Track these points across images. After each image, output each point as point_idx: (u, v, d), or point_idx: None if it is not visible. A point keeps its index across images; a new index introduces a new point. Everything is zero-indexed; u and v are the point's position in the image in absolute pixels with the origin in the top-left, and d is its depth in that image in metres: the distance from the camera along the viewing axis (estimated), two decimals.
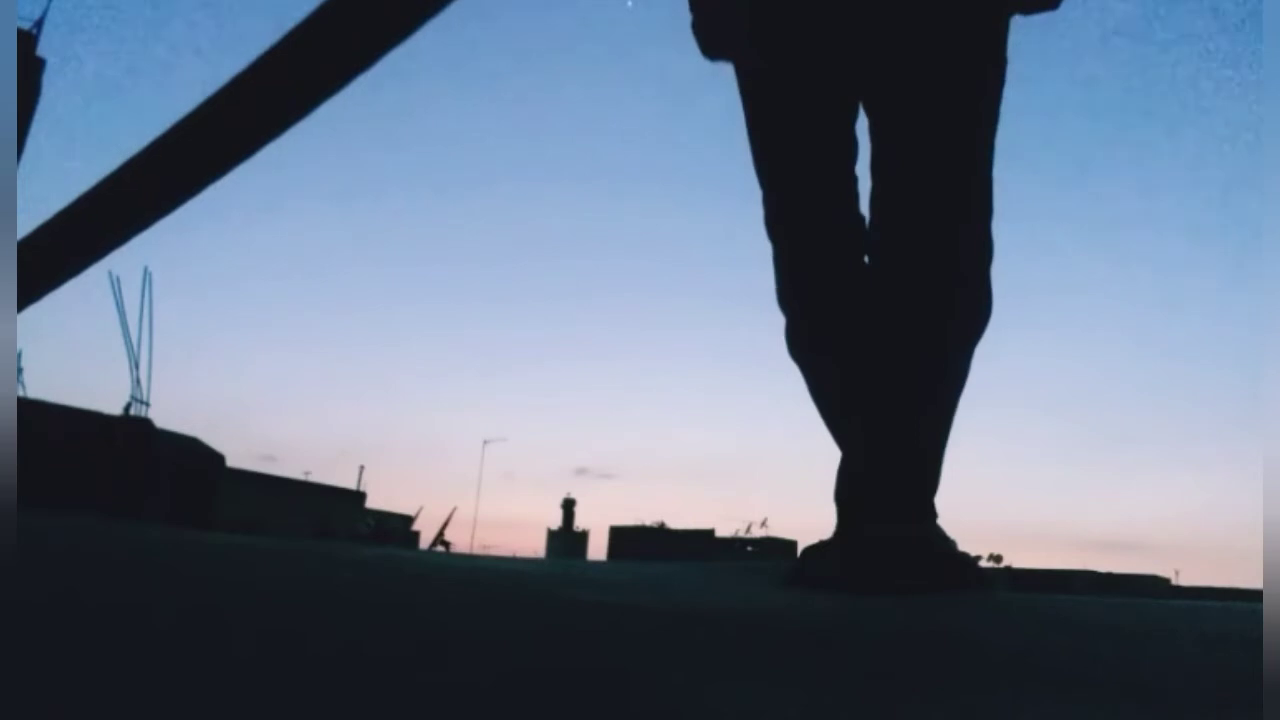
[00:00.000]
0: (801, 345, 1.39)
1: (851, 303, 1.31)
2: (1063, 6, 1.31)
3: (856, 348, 1.29)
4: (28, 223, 1.07)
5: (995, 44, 1.29)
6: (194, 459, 12.02)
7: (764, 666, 0.58)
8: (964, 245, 1.27)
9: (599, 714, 0.39)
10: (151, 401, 14.63)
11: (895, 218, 1.28)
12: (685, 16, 1.37)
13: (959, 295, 1.25)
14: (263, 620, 0.64)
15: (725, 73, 1.39)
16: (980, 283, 1.28)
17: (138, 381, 14.61)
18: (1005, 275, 1.31)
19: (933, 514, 1.24)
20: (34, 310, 1.15)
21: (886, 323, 1.24)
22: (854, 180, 1.35)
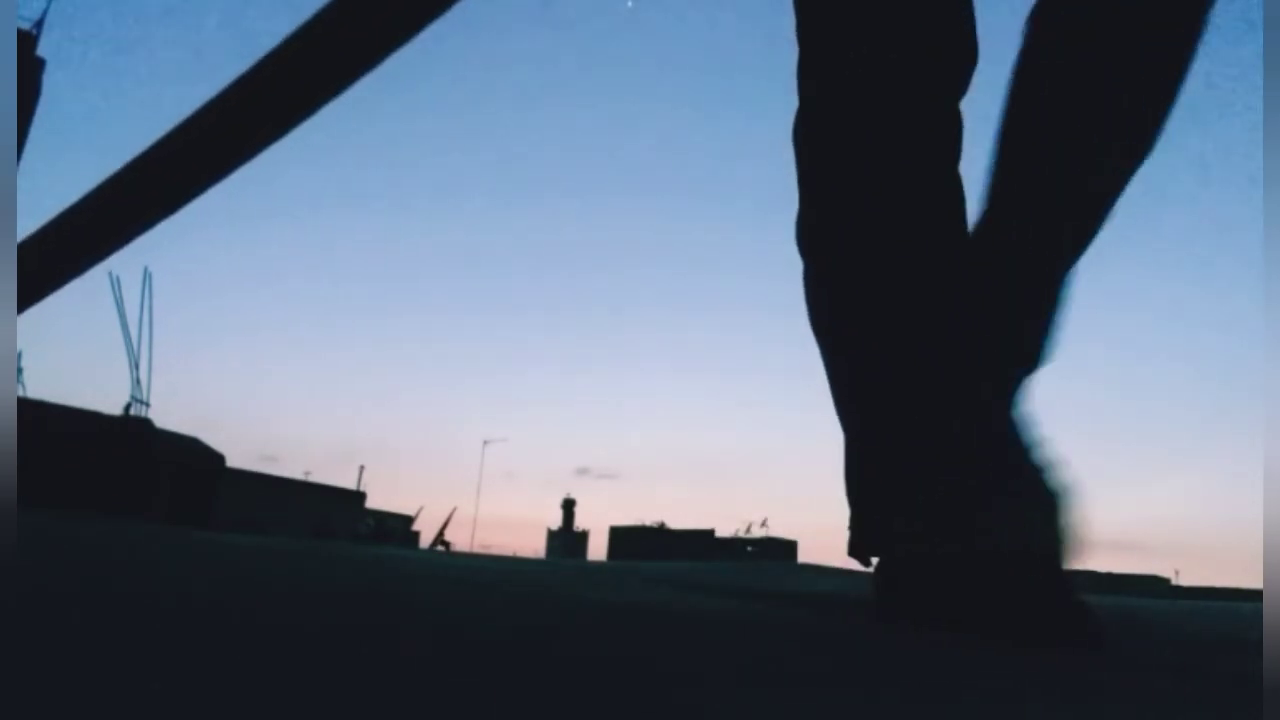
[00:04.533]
0: (812, 239, 1.05)
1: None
2: None
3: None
4: (28, 223, 1.07)
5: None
6: (194, 459, 12.03)
7: (765, 667, 0.58)
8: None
9: (598, 714, 0.39)
10: (151, 401, 14.68)
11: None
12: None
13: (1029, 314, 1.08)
14: (262, 620, 0.64)
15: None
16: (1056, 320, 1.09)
17: (138, 381, 14.64)
18: None
19: None
20: (34, 311, 1.15)
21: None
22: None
